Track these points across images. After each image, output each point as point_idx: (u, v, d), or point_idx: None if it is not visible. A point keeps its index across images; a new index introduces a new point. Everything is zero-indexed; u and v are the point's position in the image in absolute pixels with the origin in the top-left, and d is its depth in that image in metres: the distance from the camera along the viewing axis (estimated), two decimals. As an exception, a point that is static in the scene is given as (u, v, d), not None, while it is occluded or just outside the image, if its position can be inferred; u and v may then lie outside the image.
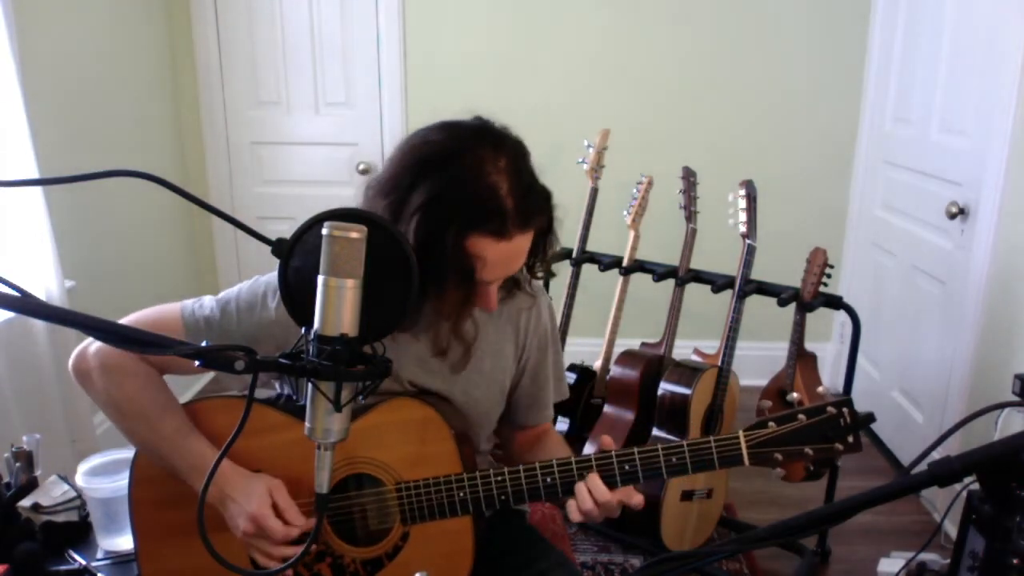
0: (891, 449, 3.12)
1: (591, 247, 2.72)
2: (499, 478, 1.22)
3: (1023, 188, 2.31)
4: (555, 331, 1.43)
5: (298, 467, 1.24)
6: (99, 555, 1.45)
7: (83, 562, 1.42)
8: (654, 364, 2.48)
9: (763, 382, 2.41)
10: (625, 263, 2.62)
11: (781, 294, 2.35)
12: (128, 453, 1.36)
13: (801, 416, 1.16)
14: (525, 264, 1.24)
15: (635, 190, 2.61)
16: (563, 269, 2.72)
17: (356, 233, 0.79)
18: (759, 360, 3.08)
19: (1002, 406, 1.34)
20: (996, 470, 0.81)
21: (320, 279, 0.80)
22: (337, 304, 0.80)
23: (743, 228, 2.32)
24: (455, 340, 1.27)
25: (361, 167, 3.57)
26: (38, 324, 2.37)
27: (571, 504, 1.20)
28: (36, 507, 1.47)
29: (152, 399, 1.24)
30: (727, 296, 2.42)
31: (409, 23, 3.44)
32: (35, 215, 2.36)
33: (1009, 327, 2.36)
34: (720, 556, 0.82)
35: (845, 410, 1.16)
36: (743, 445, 1.17)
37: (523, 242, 1.16)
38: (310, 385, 0.81)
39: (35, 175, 2.31)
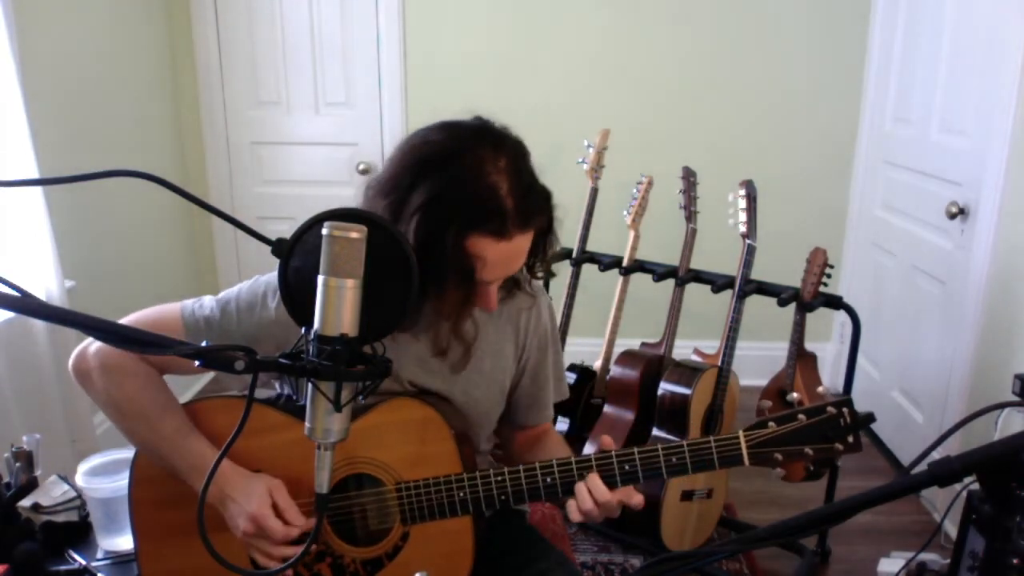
0: (891, 449, 3.12)
1: (591, 247, 2.72)
2: (499, 478, 1.22)
3: (1023, 188, 2.31)
4: (555, 331, 1.43)
5: (298, 467, 1.24)
6: (99, 555, 1.45)
7: (83, 562, 1.42)
8: (654, 364, 2.48)
9: (763, 382, 2.41)
10: (625, 263, 2.62)
11: (781, 294, 2.35)
12: (128, 453, 1.36)
13: (801, 416, 1.16)
14: (525, 264, 1.24)
15: (635, 190, 2.61)
16: (563, 269, 2.72)
17: (356, 233, 0.79)
18: (759, 360, 3.08)
19: (1002, 406, 1.34)
20: (996, 470, 0.82)
21: (320, 279, 0.80)
22: (337, 304, 0.80)
23: (743, 228, 2.32)
24: (455, 340, 1.28)
25: (361, 167, 3.57)
26: (38, 324, 2.37)
27: (571, 504, 1.20)
28: (36, 507, 1.47)
29: (152, 399, 1.24)
30: (727, 296, 2.42)
31: (409, 23, 3.44)
32: (35, 215, 2.36)
33: (1009, 327, 2.36)
34: (720, 556, 0.82)
35: (845, 410, 1.16)
36: (743, 445, 1.17)
37: (523, 242, 1.16)
38: (310, 385, 0.81)
39: (35, 175, 2.31)
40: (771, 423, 1.16)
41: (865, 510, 0.80)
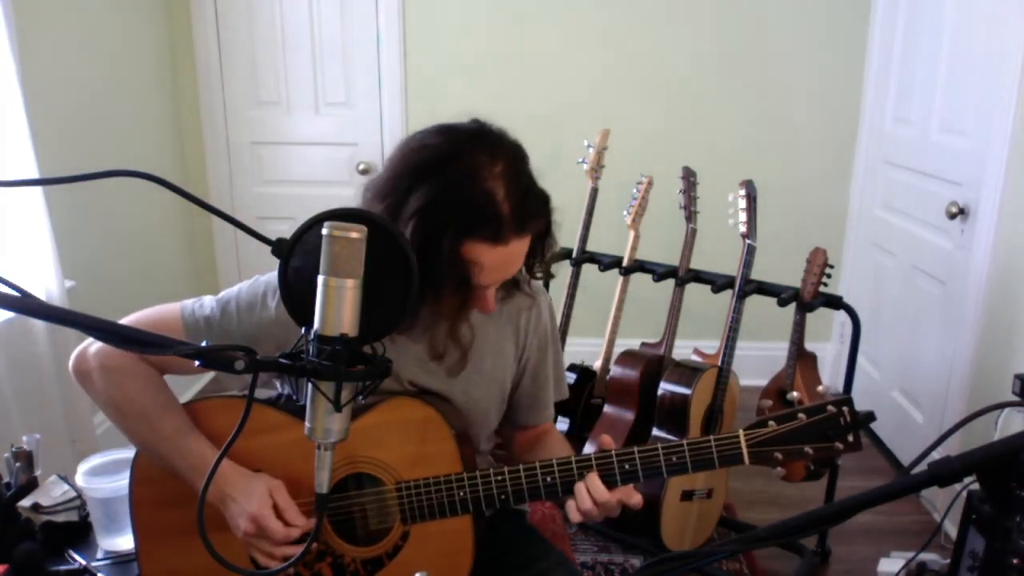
0: (891, 449, 3.12)
1: (591, 247, 2.72)
2: (499, 478, 1.22)
3: (1023, 188, 2.31)
4: (555, 331, 1.43)
5: (298, 467, 1.24)
6: (99, 555, 1.45)
7: (83, 562, 1.42)
8: (654, 364, 2.48)
9: (763, 382, 2.41)
10: (625, 263, 2.62)
11: (781, 294, 2.35)
12: (128, 453, 1.36)
13: (801, 415, 1.16)
14: (524, 265, 1.24)
15: (635, 190, 2.61)
16: (563, 269, 2.72)
17: (356, 233, 0.79)
18: (759, 360, 3.08)
19: (1002, 406, 1.34)
20: (996, 470, 0.82)
21: (320, 279, 0.80)
22: (337, 304, 0.80)
23: (743, 228, 2.32)
24: (451, 344, 1.27)
25: (361, 167, 3.57)
26: (38, 324, 2.37)
27: (570, 504, 1.20)
28: (36, 507, 1.47)
29: (152, 399, 1.24)
30: (727, 296, 2.42)
31: (409, 23, 3.44)
32: (35, 215, 2.36)
33: (1009, 327, 2.36)
34: (720, 556, 0.82)
35: (845, 409, 1.16)
36: (743, 444, 1.17)
37: (520, 246, 1.16)
38: (310, 385, 0.81)
39: (35, 175, 2.31)
40: (771, 422, 1.16)
41: (865, 510, 0.80)
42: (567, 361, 2.01)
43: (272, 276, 1.24)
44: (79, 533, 1.50)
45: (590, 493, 1.18)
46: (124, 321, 1.20)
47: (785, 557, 2.46)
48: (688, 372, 2.33)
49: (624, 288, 2.64)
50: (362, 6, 3.43)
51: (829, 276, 2.31)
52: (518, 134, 1.22)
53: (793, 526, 0.81)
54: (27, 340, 2.39)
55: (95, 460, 1.47)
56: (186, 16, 3.46)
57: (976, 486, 0.89)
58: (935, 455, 0.85)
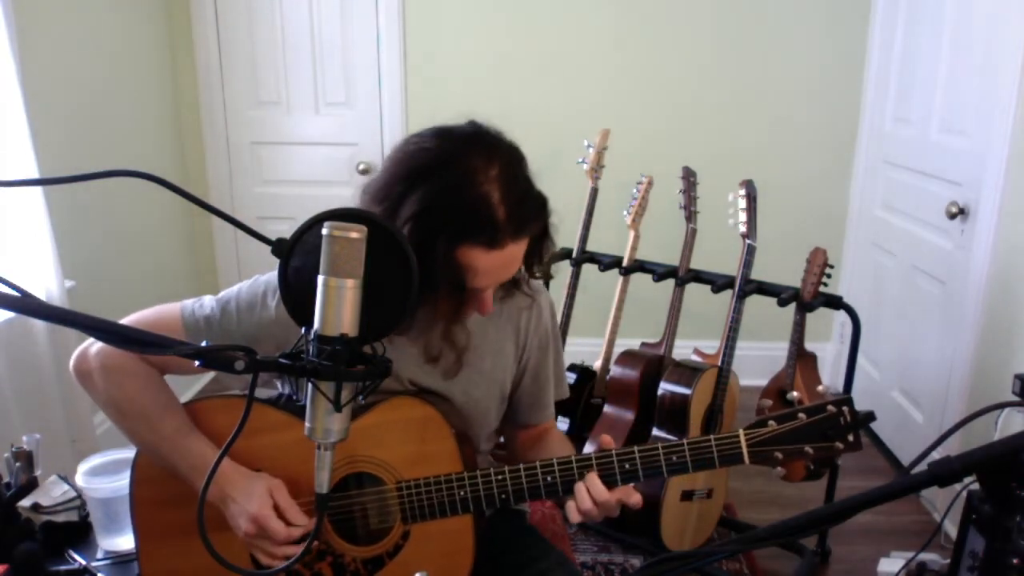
0: (891, 449, 3.12)
1: (591, 247, 2.72)
2: (499, 477, 1.22)
3: (1023, 188, 2.31)
4: (556, 330, 1.43)
5: (299, 467, 1.24)
6: (99, 555, 1.45)
7: (83, 562, 1.42)
8: (654, 364, 2.48)
9: (763, 382, 2.41)
10: (625, 263, 2.62)
11: (781, 294, 2.35)
12: (128, 453, 1.36)
13: (801, 415, 1.16)
14: (523, 264, 1.24)
15: (635, 190, 2.61)
16: (563, 269, 2.72)
17: (356, 233, 0.79)
18: (759, 360, 3.09)
19: (1002, 406, 1.34)
20: (996, 470, 0.82)
21: (320, 279, 0.80)
22: (337, 304, 0.80)
23: (743, 228, 2.32)
24: (447, 346, 1.27)
25: (361, 167, 3.57)
26: (38, 324, 2.37)
27: (570, 505, 1.19)
28: (36, 507, 1.47)
29: (153, 399, 1.24)
30: (727, 296, 2.42)
31: (409, 23, 3.44)
32: (35, 215, 2.36)
33: (1009, 327, 2.36)
34: (720, 556, 0.82)
35: (845, 409, 1.16)
36: (743, 444, 1.17)
37: (516, 250, 1.16)
38: (310, 385, 0.81)
39: (35, 175, 2.31)
40: (771, 422, 1.16)
41: (865, 510, 0.80)
42: (567, 361, 2.00)
43: (272, 276, 1.24)
44: (79, 533, 1.50)
45: (590, 493, 1.18)
46: (124, 321, 1.20)
47: (785, 557, 2.46)
48: (688, 372, 2.33)
49: (624, 288, 2.64)
50: (362, 6, 3.43)
51: (829, 276, 2.31)
52: (518, 134, 1.21)
53: (793, 526, 0.81)
54: (27, 340, 2.39)
55: (95, 460, 1.47)
56: (186, 16, 3.46)
57: (976, 486, 0.89)
58: (935, 455, 0.85)
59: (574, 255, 2.71)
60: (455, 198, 1.10)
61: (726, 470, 2.39)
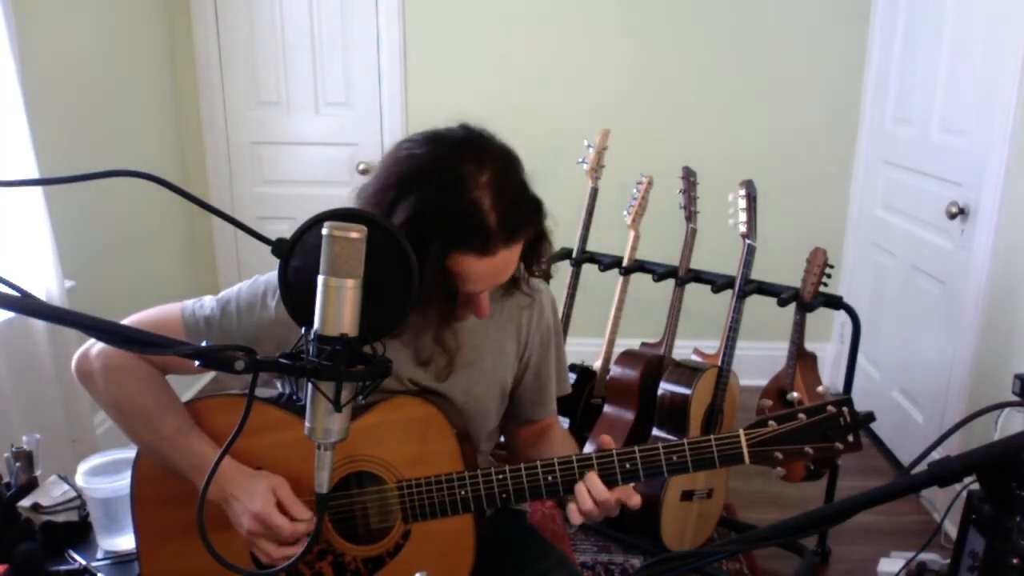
0: (891, 449, 3.12)
1: (591, 247, 2.72)
2: (500, 476, 1.22)
3: (1023, 188, 2.31)
4: (557, 325, 1.44)
5: (300, 466, 1.24)
6: (99, 555, 1.45)
7: (83, 562, 1.42)
8: (654, 364, 2.48)
9: (763, 382, 2.41)
10: (625, 263, 2.62)
11: (781, 294, 2.35)
12: (128, 453, 1.36)
13: (801, 415, 1.16)
14: (523, 263, 1.24)
15: (635, 190, 2.61)
16: (563, 269, 2.72)
17: (356, 233, 0.79)
18: (759, 360, 3.08)
19: (1002, 406, 1.34)
20: (996, 470, 0.82)
21: (320, 279, 0.80)
22: (337, 304, 0.80)
23: (743, 228, 2.32)
24: (438, 351, 1.27)
25: (361, 167, 3.57)
26: (38, 324, 2.37)
27: (571, 507, 1.19)
28: (36, 507, 1.47)
29: (154, 399, 1.24)
30: (727, 296, 2.42)
31: (409, 23, 3.44)
32: (35, 215, 2.36)
33: (1009, 327, 2.36)
34: (720, 556, 0.82)
35: (845, 409, 1.16)
36: (743, 444, 1.17)
37: (509, 256, 1.15)
38: (310, 385, 0.81)
39: (35, 175, 2.31)
40: (771, 422, 1.17)
41: (865, 510, 0.80)
42: (567, 361, 2.00)
43: (272, 276, 1.24)
44: (79, 533, 1.50)
45: (590, 493, 1.18)
46: (125, 322, 1.20)
47: (785, 557, 2.46)
48: (688, 372, 2.33)
49: (624, 288, 2.64)
50: (362, 6, 3.43)
51: (829, 276, 2.31)
52: (518, 134, 1.21)
53: (793, 526, 0.81)
54: (27, 340, 2.39)
55: (95, 460, 1.47)
56: (186, 16, 3.46)
57: (976, 486, 0.89)
58: (935, 455, 0.85)
59: (574, 255, 2.71)
60: (446, 205, 1.09)
61: (726, 470, 2.39)
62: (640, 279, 2.64)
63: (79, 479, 1.44)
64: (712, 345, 2.51)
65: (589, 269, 2.73)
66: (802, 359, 2.36)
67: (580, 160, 2.71)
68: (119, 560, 1.43)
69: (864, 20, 3.37)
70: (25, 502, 1.47)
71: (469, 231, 1.10)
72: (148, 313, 1.26)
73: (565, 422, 2.66)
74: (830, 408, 1.16)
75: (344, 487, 1.25)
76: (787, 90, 3.46)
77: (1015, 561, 1.01)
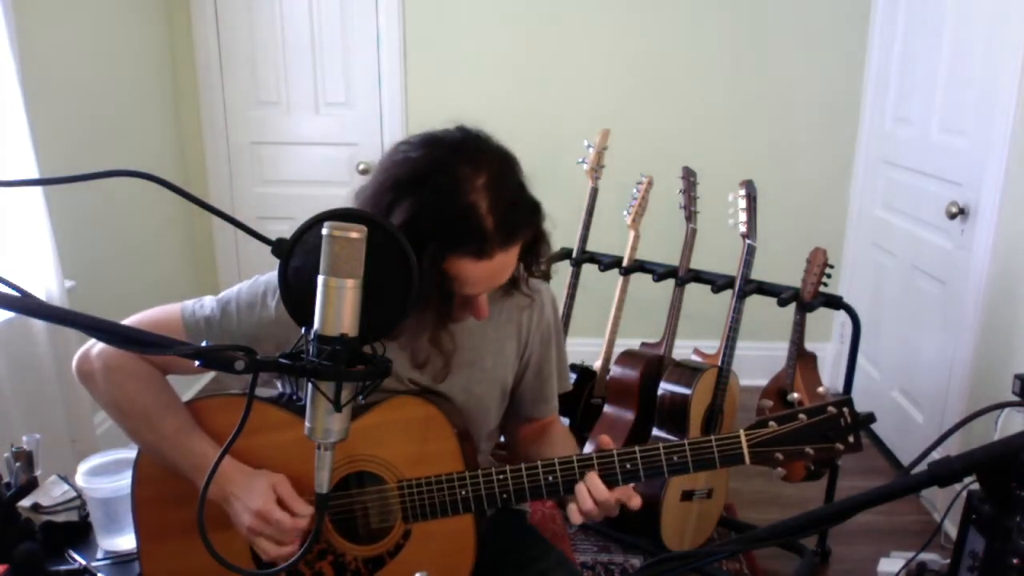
0: (891, 449, 3.12)
1: (591, 247, 2.72)
2: (501, 476, 1.22)
3: (1023, 188, 2.31)
4: (558, 323, 1.44)
5: (300, 465, 1.23)
6: (99, 555, 1.45)
7: (83, 562, 1.42)
8: (654, 364, 2.48)
9: (763, 382, 2.41)
10: (625, 263, 2.62)
11: (781, 294, 2.35)
12: (128, 453, 1.36)
13: (802, 416, 1.16)
14: (522, 263, 1.24)
15: (635, 190, 2.61)
16: (563, 269, 2.72)
17: (356, 233, 0.79)
18: (759, 360, 3.08)
19: (1002, 406, 1.34)
20: (996, 470, 0.82)
21: (320, 279, 0.80)
22: (337, 304, 0.80)
23: (743, 228, 2.32)
24: (434, 353, 1.26)
25: (361, 167, 3.57)
26: (38, 324, 2.37)
27: (572, 507, 1.19)
28: (36, 507, 1.47)
29: (154, 399, 1.24)
30: (727, 296, 2.42)
31: (409, 23, 3.44)
32: (35, 215, 2.36)
33: (1009, 327, 2.36)
34: (720, 556, 0.82)
35: (845, 410, 1.16)
36: (744, 444, 1.17)
37: (506, 258, 1.15)
38: (310, 385, 0.81)
39: (35, 175, 2.31)
40: (772, 423, 1.17)
41: (865, 510, 0.80)
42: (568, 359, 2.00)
43: (272, 276, 1.24)
44: (79, 533, 1.50)
45: (591, 493, 1.18)
46: (125, 322, 1.20)
47: (785, 557, 2.46)
48: (688, 372, 2.33)
49: (624, 288, 2.64)
50: (362, 6, 3.43)
51: (829, 276, 2.31)
52: (518, 135, 1.21)
53: (793, 526, 0.81)
54: (27, 340, 2.39)
55: (95, 460, 1.47)
56: (186, 16, 3.46)
57: (976, 486, 0.89)
58: (935, 455, 0.85)
59: (574, 255, 2.71)
60: (442, 208, 1.09)
61: (726, 470, 2.39)
62: (640, 279, 2.64)
63: (79, 479, 1.44)
64: (712, 345, 2.51)
65: (589, 269, 2.73)
66: (802, 359, 2.36)
67: (580, 160, 2.71)
68: (119, 560, 1.43)
69: (864, 20, 3.37)
70: (25, 502, 1.47)
71: (466, 234, 1.09)
72: (148, 313, 1.26)
73: (565, 422, 2.66)
74: (831, 409, 1.16)
75: (344, 487, 1.25)
76: (787, 90, 3.46)
77: (1015, 561, 1.01)
